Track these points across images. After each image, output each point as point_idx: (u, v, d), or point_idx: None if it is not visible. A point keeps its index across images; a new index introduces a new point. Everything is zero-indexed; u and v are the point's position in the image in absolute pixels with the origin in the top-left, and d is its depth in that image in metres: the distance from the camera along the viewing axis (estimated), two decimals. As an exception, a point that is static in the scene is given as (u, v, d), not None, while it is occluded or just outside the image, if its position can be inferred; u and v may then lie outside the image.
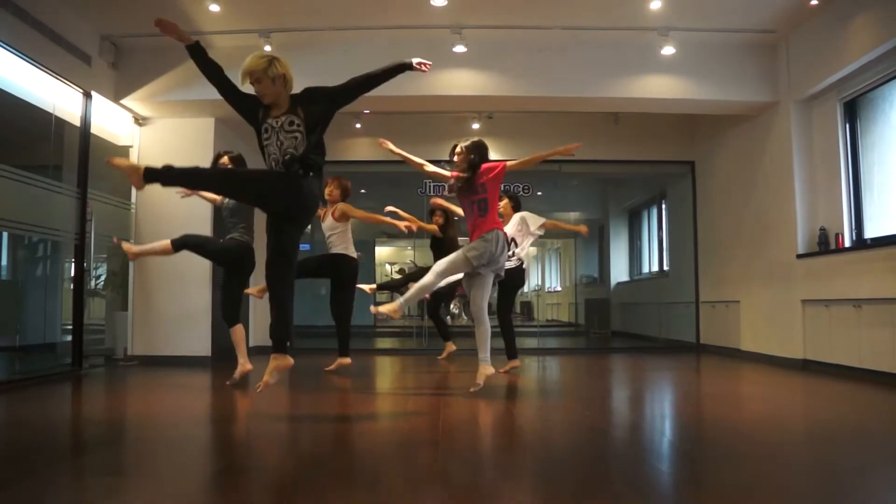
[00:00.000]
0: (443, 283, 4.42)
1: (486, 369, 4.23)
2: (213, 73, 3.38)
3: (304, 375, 5.93)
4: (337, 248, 5.50)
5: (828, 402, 4.24)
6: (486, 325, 4.26)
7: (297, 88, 6.60)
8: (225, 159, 4.84)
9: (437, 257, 6.47)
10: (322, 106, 3.40)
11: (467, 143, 4.33)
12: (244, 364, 4.77)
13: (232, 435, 3.34)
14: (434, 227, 6.37)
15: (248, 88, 3.40)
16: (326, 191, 5.50)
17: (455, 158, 4.34)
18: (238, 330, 4.82)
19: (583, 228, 5.71)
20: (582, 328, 11.43)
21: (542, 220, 5.49)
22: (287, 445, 2.99)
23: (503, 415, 3.73)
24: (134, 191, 6.54)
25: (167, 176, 3.33)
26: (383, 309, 3.98)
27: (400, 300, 4.04)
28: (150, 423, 3.52)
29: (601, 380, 5.40)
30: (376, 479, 2.36)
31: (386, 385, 5.33)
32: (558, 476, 2.42)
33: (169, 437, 3.14)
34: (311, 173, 3.31)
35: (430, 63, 3.61)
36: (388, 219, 5.60)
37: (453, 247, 6.29)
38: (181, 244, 4.62)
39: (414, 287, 4.12)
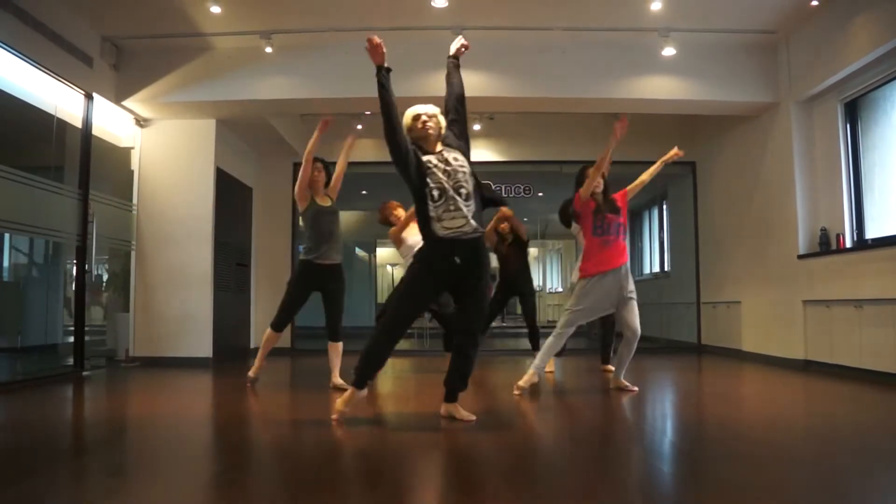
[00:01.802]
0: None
1: (534, 377, 4.35)
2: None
3: (306, 377, 5.94)
4: None
5: (829, 403, 4.24)
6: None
7: (296, 89, 6.63)
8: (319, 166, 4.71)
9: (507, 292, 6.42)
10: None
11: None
12: (258, 369, 4.82)
13: (233, 436, 3.34)
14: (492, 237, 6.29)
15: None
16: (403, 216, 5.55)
17: (598, 185, 4.30)
18: (276, 338, 4.75)
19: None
20: (583, 329, 11.40)
21: None
22: (288, 447, 2.99)
23: (503, 415, 3.73)
24: (135, 192, 6.56)
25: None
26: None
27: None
28: (151, 424, 3.52)
29: (602, 380, 5.38)
30: (377, 482, 2.36)
31: (388, 386, 5.33)
32: (559, 476, 2.42)
33: (170, 438, 3.14)
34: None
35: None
36: None
37: (522, 270, 6.33)
38: None
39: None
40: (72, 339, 5.59)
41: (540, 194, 9.08)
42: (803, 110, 6.08)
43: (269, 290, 8.18)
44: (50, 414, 3.96)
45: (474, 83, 6.29)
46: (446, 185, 3.19)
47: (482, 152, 8.47)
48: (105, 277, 7.13)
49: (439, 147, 3.33)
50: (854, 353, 5.10)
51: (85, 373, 5.48)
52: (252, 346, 7.83)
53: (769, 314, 6.42)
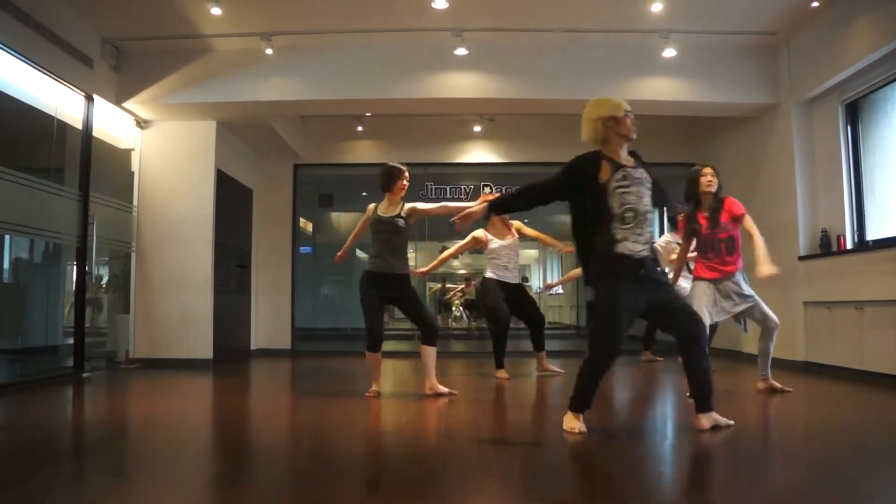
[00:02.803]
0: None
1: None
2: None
3: (307, 378, 5.93)
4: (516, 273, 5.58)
5: (829, 404, 4.23)
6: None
7: (296, 91, 6.61)
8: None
9: None
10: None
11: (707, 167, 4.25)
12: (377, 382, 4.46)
13: (233, 437, 3.34)
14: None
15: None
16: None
17: (711, 183, 4.19)
18: (376, 357, 4.47)
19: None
20: (584, 331, 11.41)
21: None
22: (287, 448, 2.99)
23: (504, 417, 3.73)
24: (135, 193, 6.56)
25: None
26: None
27: None
28: (151, 425, 3.52)
29: (602, 382, 5.38)
30: (376, 484, 2.35)
31: (388, 388, 5.32)
32: (561, 478, 2.41)
33: (170, 439, 3.14)
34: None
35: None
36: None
37: None
38: None
39: None
40: (72, 340, 5.59)
41: (540, 196, 9.06)
42: (804, 111, 6.08)
43: (270, 291, 8.18)
44: (50, 415, 3.96)
45: (474, 85, 6.30)
46: (639, 207, 2.98)
47: (482, 154, 8.48)
48: (105, 279, 7.13)
49: (626, 156, 3.09)
50: (855, 354, 5.10)
51: (85, 374, 5.48)
52: (252, 347, 7.82)
53: (770, 316, 6.41)
